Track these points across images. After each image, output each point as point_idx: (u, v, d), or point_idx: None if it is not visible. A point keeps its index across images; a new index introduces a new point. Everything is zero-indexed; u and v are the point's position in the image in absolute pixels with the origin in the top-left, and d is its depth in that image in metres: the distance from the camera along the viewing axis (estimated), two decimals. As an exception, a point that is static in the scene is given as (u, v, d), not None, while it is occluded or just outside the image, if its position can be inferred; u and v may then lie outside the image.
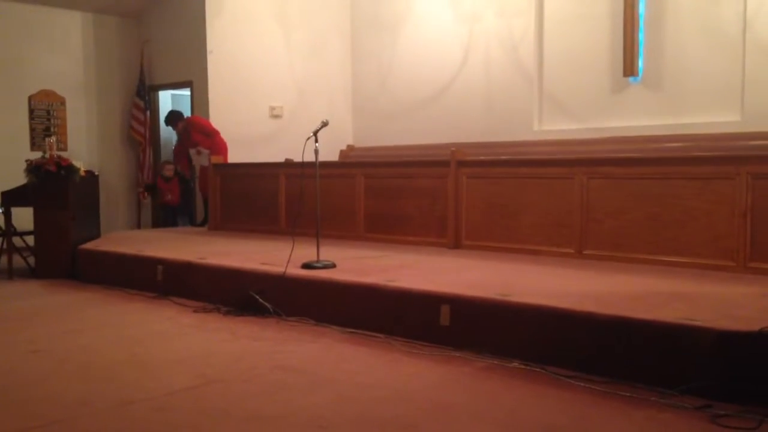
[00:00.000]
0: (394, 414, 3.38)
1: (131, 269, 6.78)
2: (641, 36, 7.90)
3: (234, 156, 9.08)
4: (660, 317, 3.73)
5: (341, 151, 10.37)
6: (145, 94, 10.18)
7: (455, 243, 6.72)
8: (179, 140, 9.87)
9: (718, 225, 5.22)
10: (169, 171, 9.96)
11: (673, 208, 5.43)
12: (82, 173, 7.51)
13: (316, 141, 5.83)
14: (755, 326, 3.43)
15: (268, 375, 4.03)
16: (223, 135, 9.19)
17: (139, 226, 10.36)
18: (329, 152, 9.48)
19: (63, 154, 8.00)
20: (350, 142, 10.71)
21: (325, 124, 5.91)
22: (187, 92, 10.01)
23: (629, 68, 7.88)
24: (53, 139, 7.82)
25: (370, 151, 10.14)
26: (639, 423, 3.22)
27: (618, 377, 3.70)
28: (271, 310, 5.37)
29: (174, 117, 9.84)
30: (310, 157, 5.79)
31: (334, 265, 5.63)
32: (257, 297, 5.45)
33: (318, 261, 5.64)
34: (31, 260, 7.70)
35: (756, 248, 5.03)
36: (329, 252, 6.07)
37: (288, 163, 8.35)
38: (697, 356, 3.51)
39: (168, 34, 10.01)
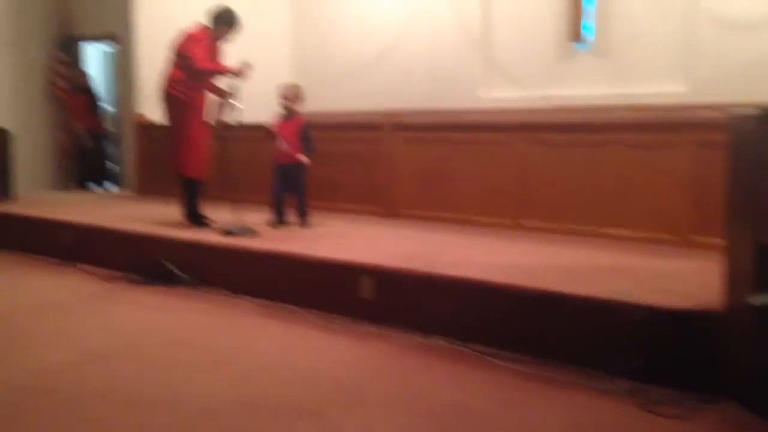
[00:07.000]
0: (295, 397, 3.01)
1: (38, 233, 6.25)
2: (592, 1, 7.58)
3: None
4: (592, 292, 3.42)
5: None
6: (67, 46, 9.45)
7: (391, 211, 6.35)
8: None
9: (660, 196, 4.93)
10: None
11: (615, 177, 5.13)
12: (-10, 130, 6.90)
13: (236, 106, 5.64)
14: (693, 302, 3.15)
15: (163, 351, 3.62)
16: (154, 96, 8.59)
17: (66, 188, 9.69)
18: (268, 116, 8.99)
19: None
20: (290, 106, 10.20)
21: (233, 92, 5.62)
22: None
23: (574, 33, 7.55)
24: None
25: (309, 116, 9.64)
26: (563, 410, 2.91)
27: (546, 357, 3.40)
28: (184, 279, 4.94)
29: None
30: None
31: (255, 232, 5.21)
32: (168, 265, 5.01)
33: (238, 227, 5.22)
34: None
35: (700, 221, 4.76)
36: (255, 219, 5.64)
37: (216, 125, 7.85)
38: (630, 334, 3.21)
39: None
